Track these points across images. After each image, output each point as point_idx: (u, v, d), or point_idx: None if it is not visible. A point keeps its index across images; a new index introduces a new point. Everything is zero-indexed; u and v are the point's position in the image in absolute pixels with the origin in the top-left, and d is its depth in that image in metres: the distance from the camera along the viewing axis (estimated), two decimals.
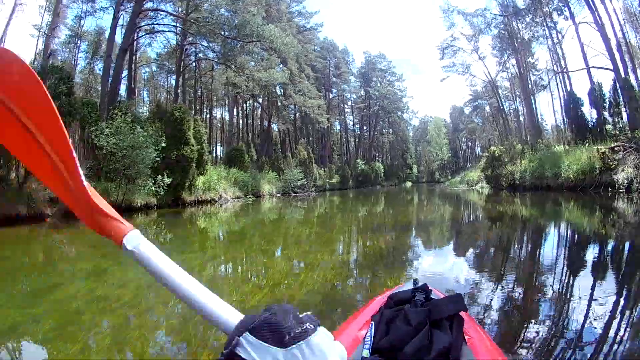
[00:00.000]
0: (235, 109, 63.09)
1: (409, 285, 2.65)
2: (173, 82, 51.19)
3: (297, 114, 70.73)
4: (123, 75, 40.31)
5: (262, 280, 7.57)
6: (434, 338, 1.89)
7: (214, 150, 61.26)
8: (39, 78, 1.32)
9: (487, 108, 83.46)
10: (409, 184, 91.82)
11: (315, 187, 57.49)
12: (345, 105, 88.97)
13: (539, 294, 5.71)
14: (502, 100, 64.95)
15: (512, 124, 66.81)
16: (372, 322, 2.19)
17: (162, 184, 26.78)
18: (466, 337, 2.09)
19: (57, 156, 1.41)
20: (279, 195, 47.51)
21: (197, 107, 57.88)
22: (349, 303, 5.86)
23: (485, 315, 4.86)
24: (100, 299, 6.40)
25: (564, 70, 47.63)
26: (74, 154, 1.34)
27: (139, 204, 26.29)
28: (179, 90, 45.66)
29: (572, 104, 42.00)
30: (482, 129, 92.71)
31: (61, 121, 1.35)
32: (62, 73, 24.03)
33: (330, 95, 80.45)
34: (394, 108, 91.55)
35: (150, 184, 26.19)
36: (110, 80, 35.01)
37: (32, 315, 5.46)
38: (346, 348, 1.56)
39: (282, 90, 61.61)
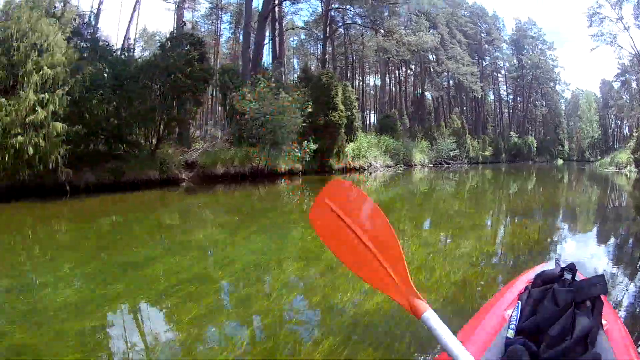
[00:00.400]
0: (387, 76, 59.98)
1: (551, 264, 2.68)
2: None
3: (451, 82, 66.63)
4: (266, 42, 38.70)
5: (411, 254, 7.12)
6: (577, 321, 1.88)
7: (367, 118, 60.19)
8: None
9: (634, 84, 75.11)
10: (560, 161, 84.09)
11: (468, 159, 53.23)
12: (499, 75, 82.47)
13: None
14: None
15: None
16: (519, 301, 2.24)
17: (309, 150, 26.00)
18: (603, 322, 2.03)
19: (390, 265, 1.87)
20: (430, 165, 44.32)
21: (348, 74, 55.42)
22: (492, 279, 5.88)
23: (621, 300, 4.77)
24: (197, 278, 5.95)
25: None
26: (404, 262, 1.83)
27: (283, 170, 25.60)
28: (326, 57, 43.40)
29: None
30: (630, 107, 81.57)
31: (396, 239, 1.81)
32: (193, 39, 22.54)
33: (483, 63, 74.77)
34: (547, 79, 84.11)
35: (296, 149, 25.33)
36: (252, 48, 33.46)
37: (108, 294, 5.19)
38: (491, 327, 2.16)
39: (434, 57, 57.76)
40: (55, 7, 17.51)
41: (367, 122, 59.69)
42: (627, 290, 5.13)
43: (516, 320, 2.04)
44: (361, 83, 61.28)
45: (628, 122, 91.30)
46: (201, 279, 5.84)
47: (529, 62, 78.15)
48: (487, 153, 62.73)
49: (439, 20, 51.57)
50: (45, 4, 16.10)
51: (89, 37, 22.07)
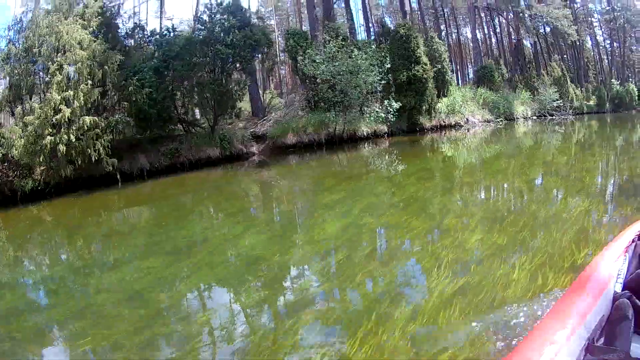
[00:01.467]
0: (481, 26, 54.39)
1: None
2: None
3: (547, 29, 59.54)
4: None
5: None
6: None
7: (467, 72, 57.33)
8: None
9: None
10: None
11: (573, 110, 44.93)
12: (592, 19, 73.59)
13: None
14: None
15: None
16: (627, 254, 2.31)
17: (391, 109, 22.68)
18: None
19: None
20: (534, 118, 38.59)
21: (442, 28, 51.32)
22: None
23: None
24: None
25: None
26: None
27: (365, 133, 23.19)
28: (406, 9, 37.80)
29: None
30: None
31: None
32: (230, 7, 20.13)
33: (575, 7, 66.03)
34: (638, 21, 72.55)
35: (376, 110, 22.75)
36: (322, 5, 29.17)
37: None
38: (600, 282, 2.11)
39: (525, 2, 50.46)
40: (78, 4, 16.90)
41: (467, 76, 55.03)
42: None
43: (624, 274, 2.10)
44: (456, 36, 56.51)
45: None
46: None
47: (619, 3, 69.43)
48: (591, 103, 55.29)
49: None
50: (65, 7, 15.90)
51: (118, 26, 19.98)
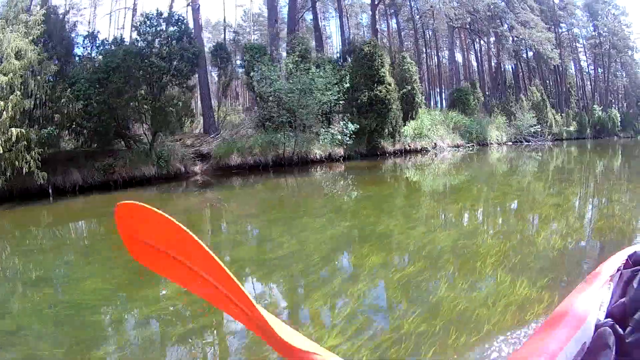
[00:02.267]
0: (461, 49, 54.07)
1: None
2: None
3: (529, 53, 59.21)
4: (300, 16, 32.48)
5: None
6: None
7: (444, 94, 54.27)
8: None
9: None
10: None
11: (552, 135, 43.94)
12: (577, 44, 73.30)
13: None
14: None
15: None
16: (611, 282, 2.21)
17: (347, 131, 21.56)
18: None
19: (225, 289, 1.46)
20: (509, 143, 37.22)
21: (425, 50, 51.47)
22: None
23: None
24: None
25: None
26: (240, 287, 1.37)
27: (318, 156, 21.46)
28: (377, 27, 36.10)
29: None
30: None
31: (214, 257, 1.38)
32: (171, 17, 19.42)
33: (559, 31, 65.46)
34: (624, 46, 73.22)
35: (332, 131, 21.67)
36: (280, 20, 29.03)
37: None
38: (583, 310, 2.01)
39: (505, 23, 49.47)
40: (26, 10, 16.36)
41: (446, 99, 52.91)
42: None
43: (607, 302, 2.01)
44: (437, 58, 54.66)
45: None
46: None
47: (605, 27, 68.75)
48: (571, 128, 54.20)
49: None
50: (12, 14, 15.39)
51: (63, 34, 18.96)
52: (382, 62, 23.79)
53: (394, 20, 50.79)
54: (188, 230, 1.38)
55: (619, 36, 70.07)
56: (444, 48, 55.52)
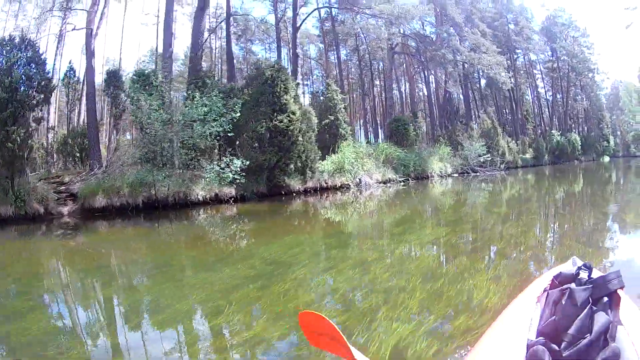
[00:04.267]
0: (408, 77, 51.25)
1: (569, 265, 2.69)
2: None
3: (481, 78, 57.97)
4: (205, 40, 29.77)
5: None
6: (595, 318, 1.91)
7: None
8: None
9: None
10: (606, 158, 75.70)
11: (505, 164, 40.87)
12: (535, 70, 71.96)
13: None
14: None
15: None
16: (538, 303, 2.31)
17: (234, 168, 17.79)
18: (622, 317, 2.04)
19: None
20: (455, 175, 33.44)
21: (375, 82, 50.44)
22: None
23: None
24: None
25: None
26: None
27: (201, 197, 17.56)
28: (297, 51, 31.48)
29: None
30: None
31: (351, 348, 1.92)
32: (16, 41, 16.78)
33: (514, 57, 63.80)
34: (584, 69, 72.39)
35: (218, 168, 17.84)
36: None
37: None
38: (513, 330, 2.15)
39: (453, 49, 45.87)
40: None
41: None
42: None
43: (536, 322, 2.08)
44: (383, 89, 51.63)
45: None
46: None
47: (564, 51, 67.94)
48: (527, 156, 52.33)
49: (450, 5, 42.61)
50: None
51: None
52: (285, 88, 20.25)
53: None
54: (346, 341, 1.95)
55: (579, 59, 69.52)
56: (396, 78, 52.91)
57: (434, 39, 44.95)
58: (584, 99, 76.38)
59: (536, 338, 1.95)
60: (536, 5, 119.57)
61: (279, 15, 36.61)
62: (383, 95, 48.65)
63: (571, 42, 69.21)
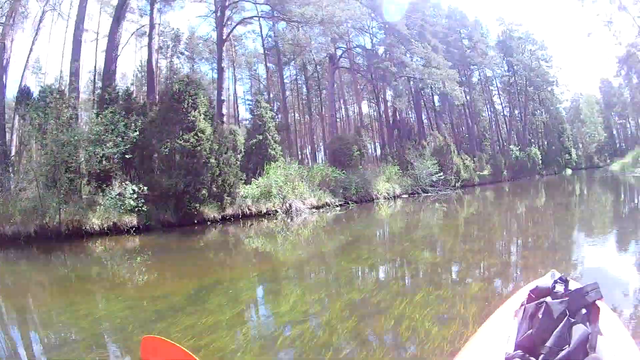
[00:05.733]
0: (357, 95, 50.76)
1: (547, 279, 2.70)
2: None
3: (435, 95, 57.80)
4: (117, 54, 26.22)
5: None
6: (573, 330, 1.96)
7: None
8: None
9: (634, 79, 72.98)
10: (569, 171, 75.22)
11: (462, 182, 39.69)
12: (491, 86, 72.09)
13: None
14: None
15: None
16: (516, 317, 2.33)
17: (128, 195, 16.07)
18: (602, 328, 2.08)
19: None
20: (404, 196, 31.37)
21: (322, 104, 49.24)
22: None
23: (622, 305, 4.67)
24: None
25: None
26: None
27: (97, 227, 15.48)
28: (223, 66, 29.75)
29: None
30: (632, 102, 79.11)
31: None
32: None
33: (469, 72, 63.86)
34: (543, 82, 72.77)
35: (114, 194, 16.21)
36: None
37: None
38: (491, 345, 2.20)
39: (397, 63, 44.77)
40: None
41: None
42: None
43: (514, 335, 2.09)
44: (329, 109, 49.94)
45: (633, 119, 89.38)
46: None
47: (520, 64, 68.17)
48: (485, 172, 51.86)
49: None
50: None
51: None
52: (194, 104, 18.35)
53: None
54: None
55: (537, 72, 69.87)
56: (341, 95, 52.75)
57: (380, 54, 44.31)
58: (543, 113, 77.11)
59: (514, 351, 1.95)
60: (492, 20, 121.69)
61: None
62: (331, 113, 46.48)
63: (528, 55, 69.73)
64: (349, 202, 25.40)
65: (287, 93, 47.66)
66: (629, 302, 4.82)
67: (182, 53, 44.25)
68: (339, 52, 40.20)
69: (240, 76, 52.20)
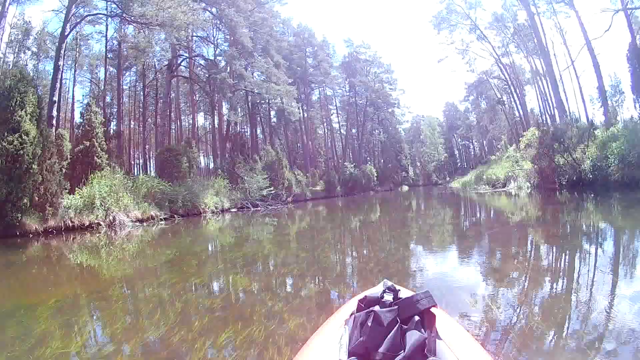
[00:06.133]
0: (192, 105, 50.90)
1: (377, 288, 2.72)
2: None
3: (272, 110, 58.56)
4: None
5: None
6: (407, 336, 1.96)
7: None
8: None
9: (483, 104, 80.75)
10: (405, 187, 79.42)
11: (294, 196, 41.58)
12: (330, 105, 76.45)
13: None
14: (512, 82, 57.37)
15: (517, 114, 59.50)
16: (346, 326, 2.30)
17: None
18: (441, 333, 2.17)
19: None
20: (234, 210, 32.09)
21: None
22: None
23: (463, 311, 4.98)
24: None
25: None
26: None
27: None
28: (59, 63, 29.23)
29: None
30: (479, 126, 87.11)
31: None
32: None
33: (309, 90, 66.67)
34: (384, 103, 78.93)
35: None
36: None
37: None
38: (322, 353, 2.24)
39: (235, 69, 45.18)
40: None
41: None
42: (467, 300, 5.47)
43: (346, 344, 2.10)
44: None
45: (476, 140, 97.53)
46: None
47: (363, 85, 72.07)
48: (318, 188, 53.95)
49: (240, 25, 42.27)
50: None
51: None
52: (21, 102, 17.71)
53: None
54: None
55: (379, 94, 74.54)
56: (177, 105, 52.81)
57: (220, 65, 44.83)
58: (382, 132, 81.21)
59: (348, 358, 2.00)
60: (341, 40, 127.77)
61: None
62: (163, 123, 46.85)
63: (372, 78, 73.74)
64: (175, 216, 25.35)
65: (125, 99, 46.39)
66: (466, 307, 5.14)
67: (28, 48, 41.95)
68: (181, 61, 40.46)
69: (82, 78, 49.87)
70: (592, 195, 21.34)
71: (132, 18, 31.09)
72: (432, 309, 2.13)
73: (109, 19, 36.05)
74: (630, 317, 4.55)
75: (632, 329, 4.12)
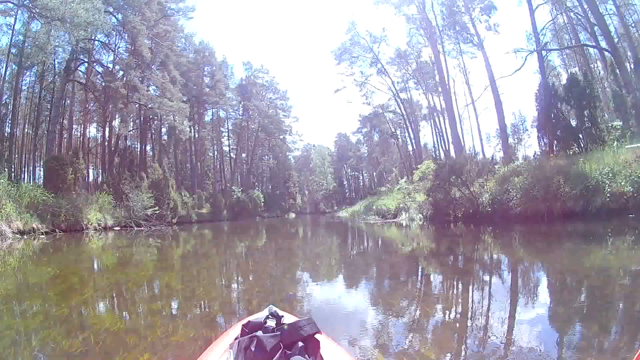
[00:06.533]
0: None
1: (262, 314, 2.82)
2: None
3: (163, 127, 57.73)
4: None
5: None
6: None
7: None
8: None
9: (376, 137, 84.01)
10: (292, 215, 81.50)
11: (179, 218, 41.32)
12: (222, 128, 75.71)
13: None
14: (408, 117, 60.23)
15: (410, 148, 62.98)
16: (231, 350, 2.37)
17: None
18: (326, 359, 2.26)
19: None
20: (117, 228, 31.27)
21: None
22: None
23: (346, 336, 4.97)
24: None
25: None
26: None
27: None
28: None
29: (549, 98, 27.91)
30: (370, 157, 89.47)
31: None
32: None
33: (202, 110, 66.01)
34: (276, 130, 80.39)
35: None
36: None
37: None
38: None
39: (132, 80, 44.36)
40: None
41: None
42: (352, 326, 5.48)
43: None
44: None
45: (367, 171, 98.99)
46: None
47: (257, 110, 73.05)
48: (204, 210, 53.99)
49: (142, 34, 41.90)
50: None
51: None
52: None
53: None
54: None
55: (272, 119, 75.98)
56: (69, 112, 49.70)
57: (117, 74, 44.14)
58: (271, 158, 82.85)
59: None
60: (239, 62, 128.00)
61: None
62: (54, 129, 43.54)
63: (267, 103, 75.12)
64: (57, 230, 24.56)
65: (23, 101, 44.34)
66: (353, 333, 5.13)
67: None
68: (80, 66, 39.69)
69: None
70: (491, 228, 21.63)
71: (36, 10, 30.19)
72: (317, 336, 2.25)
73: (19, 11, 34.51)
74: (515, 338, 4.79)
75: (515, 350, 4.30)
